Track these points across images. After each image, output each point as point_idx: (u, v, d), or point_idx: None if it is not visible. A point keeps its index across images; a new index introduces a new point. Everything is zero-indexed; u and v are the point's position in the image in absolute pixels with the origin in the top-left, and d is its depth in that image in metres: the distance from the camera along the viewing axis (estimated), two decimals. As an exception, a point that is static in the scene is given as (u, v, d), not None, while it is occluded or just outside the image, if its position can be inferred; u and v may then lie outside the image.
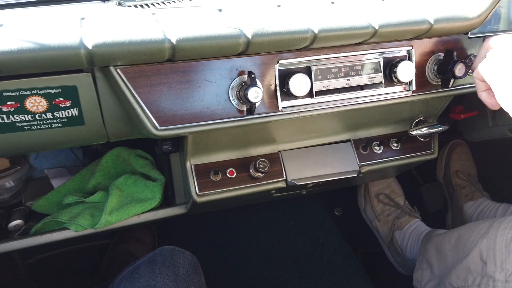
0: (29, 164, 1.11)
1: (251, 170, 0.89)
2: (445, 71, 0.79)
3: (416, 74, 0.80)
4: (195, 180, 0.87)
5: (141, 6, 0.77)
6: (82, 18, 0.65)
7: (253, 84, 0.68)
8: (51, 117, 0.67)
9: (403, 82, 0.79)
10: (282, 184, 0.91)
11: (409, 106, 0.92)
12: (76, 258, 1.29)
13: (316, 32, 0.67)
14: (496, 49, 0.70)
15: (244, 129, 0.82)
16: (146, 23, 0.64)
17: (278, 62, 0.72)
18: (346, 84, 0.76)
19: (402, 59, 0.78)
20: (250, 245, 1.34)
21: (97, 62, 0.60)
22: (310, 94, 0.74)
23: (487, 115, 1.24)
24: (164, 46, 0.61)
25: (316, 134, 0.93)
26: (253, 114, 0.72)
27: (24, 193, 1.09)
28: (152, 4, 0.77)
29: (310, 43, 0.69)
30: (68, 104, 0.66)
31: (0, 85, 0.61)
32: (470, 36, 0.83)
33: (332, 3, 0.77)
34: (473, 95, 0.85)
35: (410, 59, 0.79)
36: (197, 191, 0.87)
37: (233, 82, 0.71)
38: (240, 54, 0.69)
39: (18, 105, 0.64)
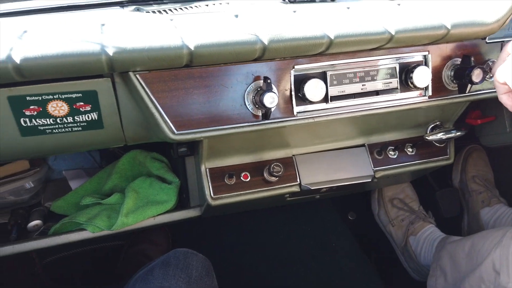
0: (48, 166, 1.13)
1: (265, 174, 0.90)
2: (462, 77, 0.78)
3: (432, 79, 0.79)
4: (209, 183, 0.88)
5: (159, 11, 0.79)
6: (103, 24, 0.67)
7: (269, 89, 0.68)
8: (72, 121, 0.69)
9: (419, 88, 0.78)
10: (296, 189, 0.92)
11: (424, 111, 0.92)
12: (91, 258, 1.31)
13: (332, 37, 0.67)
14: None
15: (258, 133, 0.83)
16: (164, 29, 0.65)
17: (293, 68, 0.73)
18: (362, 89, 0.76)
19: (418, 64, 0.78)
20: (263, 248, 1.34)
21: (117, 68, 0.61)
22: (325, 99, 0.74)
23: (504, 120, 1.21)
24: (182, 52, 0.62)
25: (330, 138, 0.93)
26: (268, 119, 0.73)
27: (43, 194, 1.11)
28: (170, 10, 0.79)
29: (326, 49, 0.69)
30: (88, 108, 0.68)
31: (23, 90, 0.63)
32: (488, 41, 0.82)
33: (348, 8, 0.77)
34: (491, 100, 0.85)
35: (426, 64, 0.79)
36: (212, 194, 0.88)
37: (248, 87, 0.71)
38: (256, 60, 0.70)
39: (41, 109, 0.66)
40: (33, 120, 0.66)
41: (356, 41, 0.70)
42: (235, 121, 0.72)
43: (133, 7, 0.82)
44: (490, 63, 0.81)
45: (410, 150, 0.97)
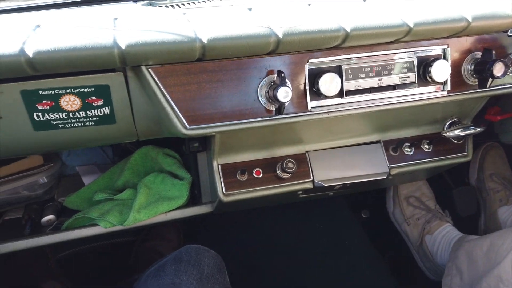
0: (61, 161, 1.14)
1: (277, 171, 0.89)
2: (483, 71, 0.76)
3: (451, 73, 0.77)
4: (221, 180, 0.87)
5: (172, 6, 0.78)
6: (115, 19, 0.66)
7: (283, 83, 0.67)
8: (84, 115, 0.68)
9: (437, 82, 0.76)
10: (309, 185, 0.90)
11: (442, 107, 0.89)
12: (103, 254, 1.32)
13: (349, 30, 0.66)
14: None
15: (271, 129, 0.82)
16: (177, 22, 0.64)
17: (308, 61, 0.71)
18: (378, 83, 0.74)
19: (437, 58, 0.75)
20: (275, 246, 1.33)
21: (129, 62, 0.61)
22: (340, 94, 0.73)
23: (525, 117, 1.18)
24: (195, 46, 0.61)
25: (344, 134, 0.91)
26: (281, 114, 0.71)
27: (57, 189, 1.12)
28: (183, 4, 0.78)
29: (342, 42, 0.68)
30: (100, 103, 0.68)
31: (36, 84, 0.63)
32: (510, 34, 0.79)
33: (364, 0, 0.75)
34: (510, 96, 0.82)
35: (445, 58, 0.77)
36: (224, 190, 0.87)
37: (262, 82, 0.70)
38: (270, 53, 0.68)
39: (53, 104, 0.65)
40: (46, 114, 0.66)
41: (373, 34, 0.68)
42: (248, 116, 0.71)
43: (146, 1, 0.81)
44: (512, 57, 0.78)
45: (427, 146, 0.95)
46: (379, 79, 0.74)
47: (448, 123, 0.96)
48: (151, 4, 0.82)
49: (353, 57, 0.73)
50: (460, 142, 0.98)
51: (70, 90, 0.65)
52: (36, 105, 0.65)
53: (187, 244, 0.85)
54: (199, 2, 0.80)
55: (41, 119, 0.66)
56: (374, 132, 0.92)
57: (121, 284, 1.17)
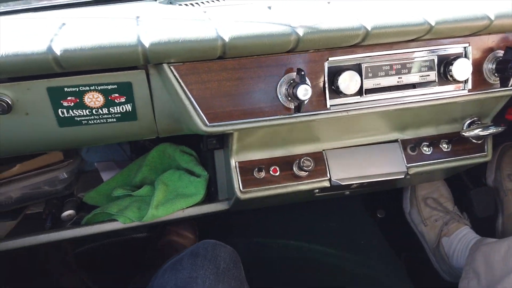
0: (80, 158, 1.16)
1: (294, 169, 0.89)
2: (505, 70, 0.75)
3: (472, 72, 0.76)
4: (239, 177, 0.87)
5: (191, 4, 0.79)
6: (138, 17, 0.68)
7: (303, 81, 0.67)
8: (107, 112, 0.70)
9: (458, 81, 0.75)
10: (326, 184, 0.90)
11: (462, 106, 0.88)
12: (120, 249, 1.34)
13: (369, 29, 0.65)
14: None
15: (289, 127, 0.82)
16: (199, 21, 0.65)
17: (327, 59, 0.71)
18: (398, 82, 0.74)
19: (458, 56, 0.75)
20: (290, 244, 1.33)
21: (152, 60, 0.62)
22: (359, 92, 0.73)
23: (546, 116, 1.16)
24: (216, 44, 0.61)
25: (362, 133, 0.91)
26: (300, 112, 0.72)
27: (76, 185, 1.14)
28: (202, 3, 0.79)
29: (362, 40, 0.68)
30: (123, 100, 0.69)
31: (61, 81, 0.65)
32: (533, 32, 0.78)
33: (384, -2, 0.75)
34: (534, 95, 0.81)
35: (466, 56, 0.76)
36: (241, 188, 0.87)
37: (281, 80, 0.70)
38: (289, 51, 0.69)
39: (78, 100, 0.67)
40: (70, 111, 0.68)
41: (393, 33, 0.68)
42: (267, 114, 0.71)
43: (166, 0, 0.82)
44: (535, 56, 0.77)
45: (446, 146, 0.94)
46: (399, 78, 0.74)
47: (467, 123, 0.94)
48: (171, 3, 0.83)
49: (372, 55, 0.72)
50: (479, 142, 0.97)
51: (93, 87, 0.66)
52: (61, 101, 0.66)
53: (202, 240, 0.86)
54: (218, 0, 0.81)
55: (66, 115, 0.68)
56: (392, 131, 0.92)
57: (137, 279, 1.19)
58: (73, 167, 1.10)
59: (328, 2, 0.74)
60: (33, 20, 0.70)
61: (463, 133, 0.91)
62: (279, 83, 0.70)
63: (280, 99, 0.71)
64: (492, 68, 0.77)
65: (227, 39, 0.62)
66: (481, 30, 0.72)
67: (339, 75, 0.70)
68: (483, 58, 0.77)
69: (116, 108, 0.70)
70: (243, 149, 0.86)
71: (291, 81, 0.70)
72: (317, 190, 0.93)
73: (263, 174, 0.88)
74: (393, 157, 0.92)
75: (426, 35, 0.69)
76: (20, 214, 1.05)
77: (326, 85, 0.72)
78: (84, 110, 0.68)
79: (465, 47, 0.76)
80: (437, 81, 0.76)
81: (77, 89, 0.66)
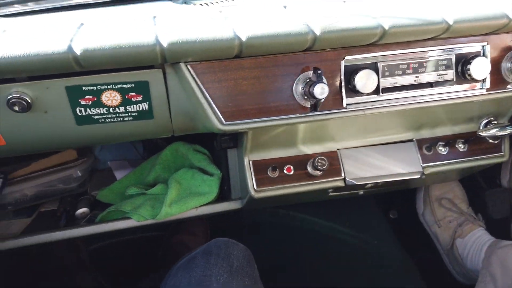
0: (94, 156, 1.17)
1: (309, 168, 0.89)
2: (524, 68, 0.74)
3: (490, 71, 0.75)
4: (253, 176, 0.87)
5: (206, 4, 0.79)
6: (154, 17, 0.68)
7: (320, 80, 0.67)
8: (124, 110, 0.70)
9: (476, 80, 0.74)
10: (340, 183, 0.90)
11: (479, 105, 0.87)
12: (133, 247, 1.35)
13: (387, 28, 0.65)
14: None
15: (304, 126, 0.82)
16: (215, 20, 0.65)
17: (344, 58, 0.71)
18: (415, 81, 0.73)
19: (476, 55, 0.74)
20: (303, 243, 1.33)
21: (169, 59, 0.62)
22: (376, 91, 0.72)
23: None
24: (234, 44, 0.62)
25: (377, 133, 0.90)
26: (317, 111, 0.71)
27: (90, 183, 1.15)
28: (216, 2, 0.79)
29: (379, 39, 0.67)
30: (139, 98, 0.69)
31: (80, 80, 0.65)
32: (552, 31, 0.77)
33: (402, -4, 0.74)
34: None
35: (484, 55, 0.75)
36: (255, 186, 0.87)
37: (297, 78, 0.70)
38: (306, 50, 0.69)
39: (95, 99, 0.68)
40: (88, 109, 0.68)
41: (411, 32, 0.67)
42: (283, 113, 0.71)
43: (181, 0, 0.83)
44: (555, 54, 0.76)
45: (462, 146, 0.93)
46: (416, 76, 0.73)
47: (483, 122, 0.93)
48: (185, 2, 0.83)
49: (389, 54, 0.72)
50: (496, 142, 0.95)
51: (111, 86, 0.67)
52: (79, 100, 0.67)
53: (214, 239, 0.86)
54: (233, 0, 0.81)
55: (83, 113, 0.69)
56: (407, 130, 0.91)
57: (150, 278, 1.20)
58: (87, 165, 1.12)
59: (344, 1, 0.74)
60: (52, 20, 0.71)
61: (479, 133, 0.90)
62: (296, 81, 0.70)
63: (296, 97, 0.71)
64: (510, 67, 0.76)
65: (244, 39, 0.62)
66: (500, 28, 0.71)
67: (356, 73, 0.70)
68: (501, 57, 0.76)
69: (133, 106, 0.70)
70: (257, 148, 0.86)
71: (308, 80, 0.70)
72: (331, 190, 0.93)
73: (277, 173, 0.88)
74: (408, 156, 0.91)
75: (443, 34, 0.69)
76: (35, 212, 1.07)
77: (343, 84, 0.72)
78: (101, 109, 0.69)
79: (483, 46, 0.75)
80: (454, 80, 0.75)
81: (95, 88, 0.66)
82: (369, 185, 0.92)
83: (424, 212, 1.35)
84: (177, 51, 0.61)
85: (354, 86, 0.70)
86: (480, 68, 0.73)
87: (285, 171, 0.88)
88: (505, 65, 0.77)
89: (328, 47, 0.69)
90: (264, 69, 0.69)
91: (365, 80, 0.70)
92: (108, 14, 0.75)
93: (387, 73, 0.72)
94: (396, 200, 1.47)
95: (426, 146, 0.92)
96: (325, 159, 0.87)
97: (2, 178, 0.97)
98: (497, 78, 0.77)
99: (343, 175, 0.90)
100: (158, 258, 1.28)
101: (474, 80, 0.75)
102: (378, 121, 0.86)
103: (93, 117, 0.70)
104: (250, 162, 0.88)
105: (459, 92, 0.76)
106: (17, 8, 0.78)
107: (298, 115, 0.72)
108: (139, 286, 1.13)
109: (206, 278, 0.74)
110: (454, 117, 0.90)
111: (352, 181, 0.89)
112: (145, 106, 0.71)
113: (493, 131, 0.90)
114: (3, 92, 0.63)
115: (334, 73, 0.71)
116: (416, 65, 0.73)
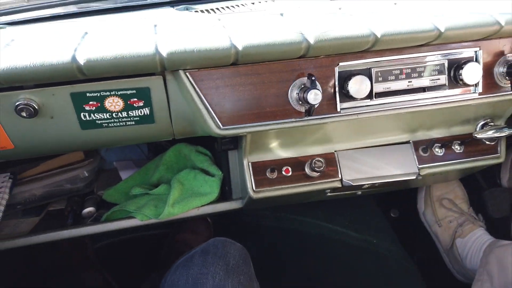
0: (100, 157, 1.20)
1: (306, 169, 0.91)
2: (516, 73, 0.75)
3: (483, 76, 0.77)
4: (252, 177, 0.90)
5: (207, 11, 0.81)
6: (155, 25, 0.71)
7: (313, 86, 0.69)
8: (126, 115, 0.73)
9: (469, 84, 0.76)
10: (337, 184, 0.92)
11: (474, 108, 0.89)
12: (137, 245, 1.38)
13: (379, 36, 0.67)
14: None
15: (301, 129, 0.84)
16: (213, 29, 0.68)
17: (338, 64, 0.73)
18: (408, 86, 0.75)
19: (468, 60, 0.75)
20: (302, 243, 1.35)
21: (169, 67, 0.65)
22: (369, 96, 0.74)
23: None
24: (230, 53, 0.64)
25: (374, 135, 0.92)
26: (311, 116, 0.74)
27: (96, 183, 1.18)
28: (217, 9, 0.81)
29: (372, 46, 0.69)
30: (141, 104, 0.72)
31: (84, 87, 0.68)
32: (545, 36, 0.78)
33: (395, 4, 0.76)
34: (547, 98, 0.80)
35: (477, 60, 0.76)
36: (254, 187, 0.90)
37: (292, 84, 0.72)
38: (301, 57, 0.71)
39: (99, 105, 0.71)
40: (92, 114, 0.71)
41: (403, 39, 0.69)
42: (279, 117, 0.73)
43: (182, 6, 0.85)
44: (547, 59, 0.77)
45: (458, 147, 0.94)
46: (409, 81, 0.75)
47: (480, 124, 0.95)
48: (187, 9, 0.86)
49: (383, 60, 0.74)
50: (492, 143, 0.96)
51: (114, 92, 0.70)
52: (84, 106, 0.70)
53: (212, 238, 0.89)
54: (233, 7, 0.84)
55: (88, 118, 0.72)
56: (403, 132, 0.93)
57: (153, 277, 1.23)
58: (93, 166, 1.15)
59: (339, 8, 0.76)
60: (58, 28, 0.74)
61: (475, 135, 0.91)
62: (291, 87, 0.72)
63: (292, 103, 0.73)
64: (503, 72, 0.78)
65: (240, 48, 0.64)
66: (492, 35, 0.72)
67: (349, 79, 0.72)
68: (494, 62, 0.77)
69: (135, 111, 0.73)
70: (256, 150, 0.89)
71: (302, 86, 0.72)
72: (328, 190, 0.95)
73: (275, 174, 0.90)
74: (404, 158, 0.93)
75: (435, 40, 0.70)
76: (43, 211, 1.10)
77: (337, 89, 0.74)
78: (104, 114, 0.72)
79: (476, 51, 0.76)
80: (447, 84, 0.77)
81: (98, 94, 0.69)
82: (366, 185, 0.94)
83: (425, 211, 1.36)
84: (175, 60, 0.63)
85: (348, 91, 0.72)
86: (472, 73, 0.74)
87: (283, 172, 0.91)
88: (498, 69, 0.78)
89: (322, 54, 0.71)
90: (260, 76, 0.71)
91: (358, 86, 0.72)
92: (113, 22, 0.78)
93: (380, 79, 0.74)
94: (397, 199, 1.48)
95: (422, 147, 0.93)
96: (322, 160, 0.89)
97: (12, 178, 1.01)
98: (490, 83, 0.78)
99: (340, 176, 0.92)
100: (162, 256, 1.31)
101: (466, 85, 0.76)
102: (374, 124, 0.88)
103: (97, 122, 0.73)
104: (249, 163, 0.90)
105: (452, 96, 0.77)
106: (24, 15, 0.82)
107: (293, 120, 0.74)
108: (142, 286, 1.17)
109: (202, 276, 0.77)
110: (450, 120, 0.92)
111: (349, 182, 0.91)
112: (146, 111, 0.73)
113: (490, 133, 0.91)
114: (11, 99, 0.66)
115: (329, 79, 0.73)
116: (409, 70, 0.75)
